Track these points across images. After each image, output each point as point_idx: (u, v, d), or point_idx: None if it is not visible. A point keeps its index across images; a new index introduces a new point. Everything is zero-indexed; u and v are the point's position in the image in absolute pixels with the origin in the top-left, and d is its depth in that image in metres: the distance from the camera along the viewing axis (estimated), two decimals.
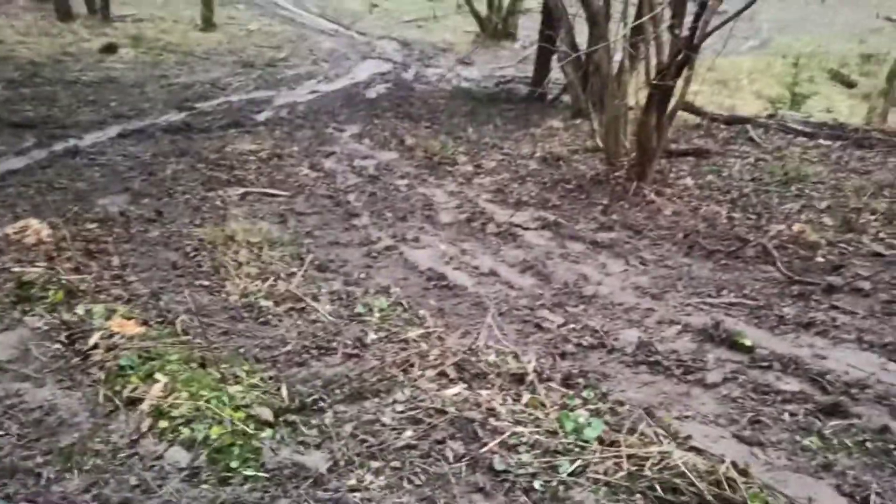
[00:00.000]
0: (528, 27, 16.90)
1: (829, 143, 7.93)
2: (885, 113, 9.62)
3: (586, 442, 2.80)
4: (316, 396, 2.98)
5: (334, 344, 3.62)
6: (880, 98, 9.98)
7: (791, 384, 3.37)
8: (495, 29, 16.91)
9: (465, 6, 17.73)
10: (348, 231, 5.68)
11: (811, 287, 4.51)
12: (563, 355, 3.72)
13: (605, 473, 2.61)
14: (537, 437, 2.83)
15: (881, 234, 5.40)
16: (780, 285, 4.60)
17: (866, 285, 4.51)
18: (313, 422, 2.80)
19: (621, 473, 2.60)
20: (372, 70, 13.55)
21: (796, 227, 5.40)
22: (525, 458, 2.69)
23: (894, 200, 6.03)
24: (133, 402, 2.72)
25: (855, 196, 6.17)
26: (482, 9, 17.38)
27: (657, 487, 2.51)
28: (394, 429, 2.84)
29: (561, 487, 2.55)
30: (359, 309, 4.15)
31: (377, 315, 4.08)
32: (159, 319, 3.63)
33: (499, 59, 15.60)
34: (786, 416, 3.12)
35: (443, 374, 3.36)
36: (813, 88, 11.51)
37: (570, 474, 2.60)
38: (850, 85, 12.91)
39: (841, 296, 4.41)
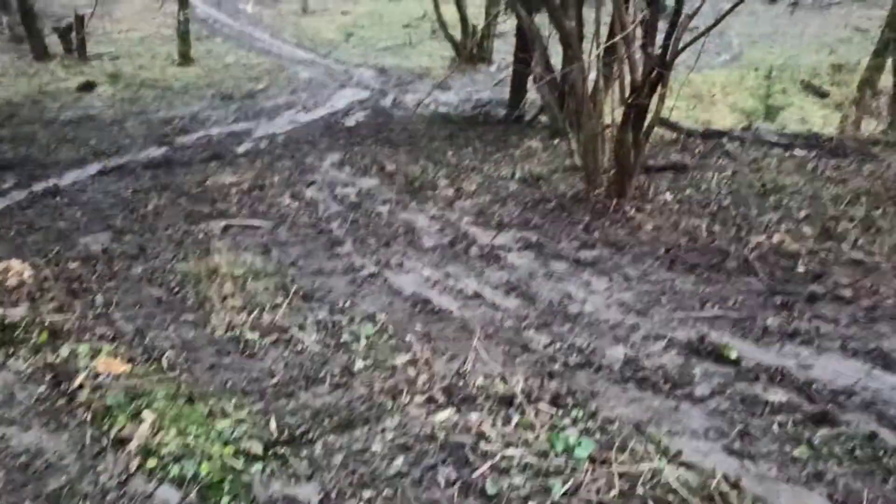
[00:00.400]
0: (503, 50, 17.11)
1: (804, 153, 8.05)
2: (858, 121, 9.80)
3: (577, 461, 2.80)
4: (305, 428, 2.96)
5: (322, 374, 3.61)
6: (852, 107, 10.16)
7: (778, 395, 3.39)
8: (470, 53, 17.10)
9: (440, 32, 17.93)
10: (332, 259, 5.67)
11: (793, 297, 4.56)
12: (550, 375, 3.73)
13: (598, 493, 2.62)
14: (528, 458, 2.83)
15: (860, 242, 5.47)
16: (762, 296, 4.64)
17: (848, 293, 4.56)
18: (303, 453, 2.79)
19: (614, 492, 2.61)
20: (350, 98, 13.63)
21: (776, 238, 5.47)
22: (517, 480, 2.70)
23: (871, 208, 6.12)
24: (121, 442, 2.69)
25: (832, 204, 6.26)
26: (457, 34, 17.58)
27: None
28: (384, 457, 2.84)
29: None
30: (345, 337, 4.14)
31: (364, 343, 4.08)
32: (145, 357, 3.61)
33: (475, 83, 15.75)
34: (775, 427, 3.14)
35: (431, 400, 3.36)
36: (786, 100, 11.70)
37: (562, 495, 2.60)
38: (822, 95, 13.14)
39: (823, 304, 4.46)
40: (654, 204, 6.59)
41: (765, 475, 2.81)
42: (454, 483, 2.69)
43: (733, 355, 3.77)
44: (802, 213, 6.13)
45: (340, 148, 9.61)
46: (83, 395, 3.01)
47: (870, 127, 9.62)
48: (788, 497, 2.66)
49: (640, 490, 2.59)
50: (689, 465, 2.79)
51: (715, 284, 4.93)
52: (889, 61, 10.78)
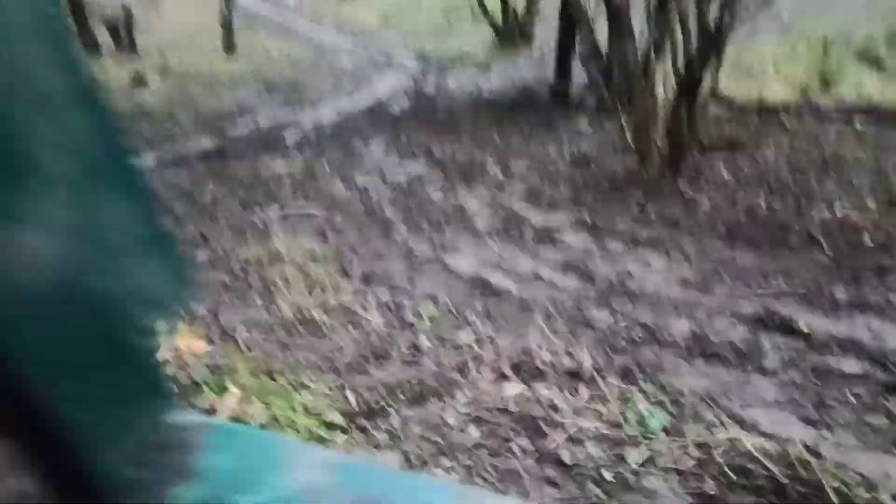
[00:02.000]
0: (545, 30, 16.95)
1: (864, 125, 7.85)
2: None
3: (652, 432, 2.82)
4: (381, 401, 3.04)
5: (390, 351, 3.69)
6: None
7: (852, 365, 3.36)
8: (511, 35, 16.98)
9: (480, 15, 17.84)
10: (388, 243, 5.75)
11: (861, 269, 4.48)
12: (616, 350, 3.74)
13: (675, 462, 2.64)
14: (602, 430, 2.86)
15: None
16: (829, 270, 4.57)
17: None
18: (382, 426, 2.87)
19: (691, 461, 2.62)
20: (392, 84, 13.69)
21: (840, 211, 5.37)
22: (592, 450, 2.73)
23: None
24: (210, 414, 2.80)
25: None
26: (496, 16, 17.46)
27: (728, 472, 2.53)
28: (460, 429, 2.89)
29: (631, 477, 2.57)
30: (409, 317, 4.21)
31: (427, 322, 4.14)
32: (222, 337, 3.73)
33: (517, 65, 15.65)
34: (850, 397, 3.11)
35: (500, 375, 3.41)
36: (841, 71, 11.38)
37: (639, 464, 2.63)
38: (879, 65, 12.71)
39: (893, 276, 4.37)
40: (709, 181, 6.51)
41: (843, 443, 2.80)
42: (530, 453, 2.74)
43: (803, 328, 3.73)
44: (866, 186, 6.00)
45: (386, 134, 9.68)
46: (169, 371, 3.13)
47: None
48: (869, 464, 2.64)
49: (717, 458, 2.60)
50: (766, 435, 2.79)
51: (778, 259, 4.86)
52: None
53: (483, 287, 4.79)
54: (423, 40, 19.09)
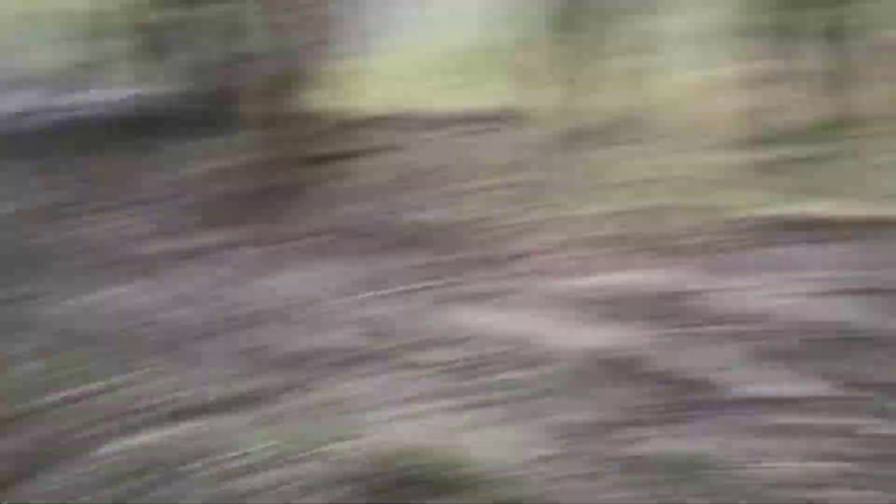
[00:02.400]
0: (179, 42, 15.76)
1: (474, 128, 8.56)
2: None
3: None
4: None
5: None
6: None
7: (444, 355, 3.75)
8: (137, 46, 15.47)
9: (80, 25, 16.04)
10: None
11: (465, 262, 5.09)
12: (257, 373, 3.67)
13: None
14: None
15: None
16: (451, 266, 5.03)
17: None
18: None
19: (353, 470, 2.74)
20: None
21: (447, 210, 6.00)
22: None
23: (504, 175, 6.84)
24: None
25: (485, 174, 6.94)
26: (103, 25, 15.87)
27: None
28: None
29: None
30: None
31: None
32: None
33: (140, 80, 14.35)
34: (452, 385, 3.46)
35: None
36: (467, 78, 11.81)
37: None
38: (518, 72, 13.23)
39: (495, 266, 5.04)
40: (327, 192, 6.77)
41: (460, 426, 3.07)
42: None
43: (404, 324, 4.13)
44: (469, 186, 6.70)
45: None
46: None
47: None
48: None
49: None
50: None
51: (385, 261, 5.20)
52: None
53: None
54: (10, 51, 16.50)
